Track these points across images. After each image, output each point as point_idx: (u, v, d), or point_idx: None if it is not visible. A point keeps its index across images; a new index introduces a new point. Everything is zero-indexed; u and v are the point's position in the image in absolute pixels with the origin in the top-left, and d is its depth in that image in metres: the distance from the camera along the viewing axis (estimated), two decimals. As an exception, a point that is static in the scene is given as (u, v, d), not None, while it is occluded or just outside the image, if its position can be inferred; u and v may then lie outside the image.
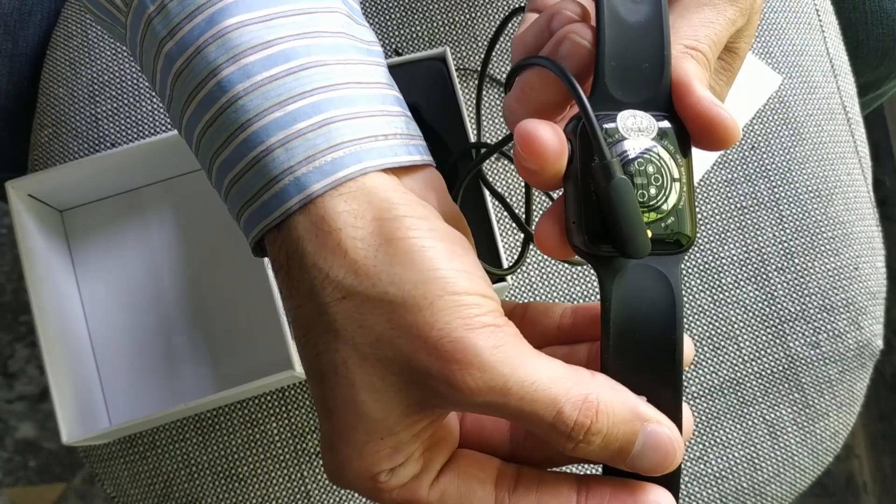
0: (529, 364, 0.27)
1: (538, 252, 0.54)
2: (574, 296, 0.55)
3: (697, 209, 0.56)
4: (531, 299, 0.54)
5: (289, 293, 0.29)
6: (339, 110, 0.29)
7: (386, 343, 0.27)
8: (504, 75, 0.56)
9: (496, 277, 0.48)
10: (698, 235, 0.55)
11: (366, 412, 0.27)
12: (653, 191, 0.29)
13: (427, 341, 0.26)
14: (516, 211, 0.53)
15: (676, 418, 0.29)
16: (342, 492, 0.52)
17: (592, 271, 0.54)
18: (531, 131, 0.28)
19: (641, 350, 0.29)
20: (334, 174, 0.28)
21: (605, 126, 0.29)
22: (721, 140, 0.29)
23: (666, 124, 0.29)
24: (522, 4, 0.55)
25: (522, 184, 0.55)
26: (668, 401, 0.29)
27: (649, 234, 0.28)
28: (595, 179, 0.28)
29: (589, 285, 0.55)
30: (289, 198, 0.28)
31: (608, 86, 0.29)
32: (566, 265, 0.55)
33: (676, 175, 0.29)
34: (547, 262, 0.55)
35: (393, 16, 0.57)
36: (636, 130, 0.29)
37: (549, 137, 0.28)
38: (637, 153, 0.29)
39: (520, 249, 0.54)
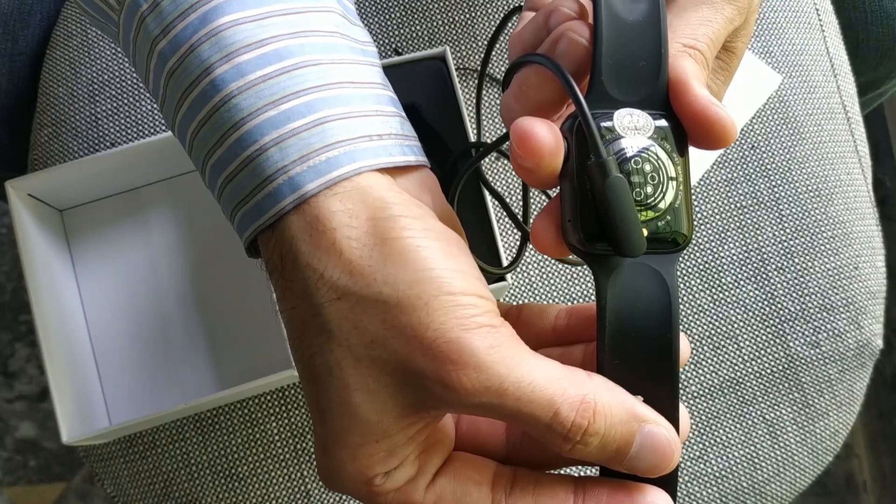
0: (526, 365, 0.27)
1: (538, 252, 0.54)
2: (574, 295, 0.55)
3: (697, 209, 0.56)
4: (531, 299, 0.54)
5: (283, 294, 0.28)
6: (333, 109, 0.28)
7: (380, 344, 0.27)
8: (503, 74, 0.56)
9: (494, 276, 0.48)
10: (698, 235, 0.55)
11: (360, 414, 0.27)
12: (649, 189, 0.29)
13: (422, 342, 0.26)
14: (514, 210, 0.53)
15: (673, 418, 0.29)
16: (342, 491, 0.52)
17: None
18: (527, 129, 0.28)
19: (638, 349, 0.29)
20: (329, 173, 0.27)
21: (602, 124, 0.29)
22: (718, 139, 0.29)
23: (663, 123, 0.29)
24: (521, 3, 0.55)
25: (520, 183, 0.55)
26: (664, 400, 0.29)
27: (645, 232, 0.28)
28: (591, 178, 0.28)
29: (589, 285, 0.55)
30: (282, 197, 0.28)
31: (605, 84, 0.29)
32: (566, 265, 0.55)
33: (673, 174, 0.29)
34: (547, 262, 0.55)
35: (393, 15, 0.57)
36: (633, 129, 0.29)
37: (545, 135, 0.28)
38: (634, 152, 0.29)
39: (517, 248, 0.54)
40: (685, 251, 0.55)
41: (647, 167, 0.29)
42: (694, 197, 0.56)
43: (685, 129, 0.30)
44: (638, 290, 0.29)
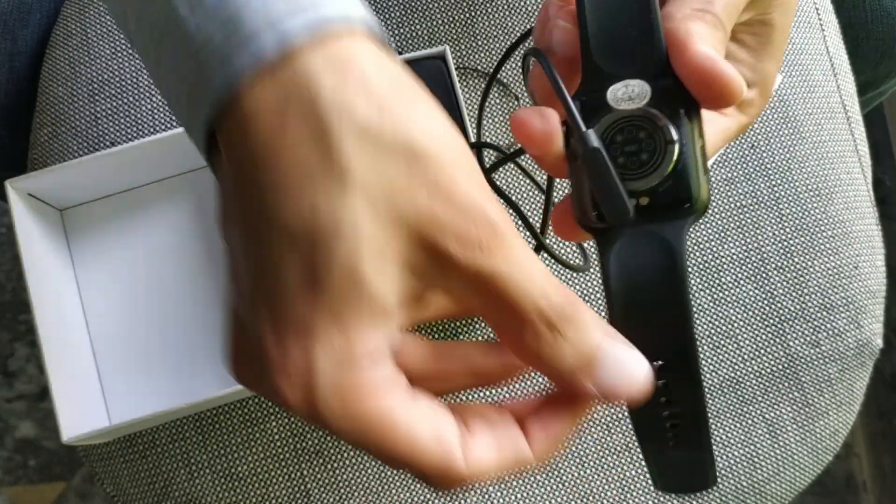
0: (532, 257, 0.27)
1: (546, 258, 0.54)
2: (574, 295, 0.55)
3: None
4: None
5: (281, 142, 0.25)
6: None
7: (402, 194, 0.25)
8: (507, 78, 0.56)
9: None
10: (698, 234, 0.55)
11: (365, 282, 0.25)
12: (644, 156, 0.29)
13: (450, 195, 0.25)
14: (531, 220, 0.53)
15: (695, 383, 0.29)
16: (342, 490, 0.52)
17: (592, 274, 0.54)
18: (521, 118, 0.29)
19: (648, 317, 0.29)
20: (331, 19, 0.26)
21: (595, 99, 0.29)
22: (721, 94, 0.29)
23: (664, 88, 0.29)
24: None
25: (531, 193, 0.55)
26: (683, 365, 0.28)
27: (645, 200, 0.28)
28: (576, 153, 0.29)
29: (586, 286, 0.55)
30: (294, 32, 0.25)
31: (597, 60, 0.30)
32: (563, 269, 0.55)
33: (674, 137, 0.29)
34: (547, 265, 0.55)
35: (392, 14, 0.57)
36: (627, 99, 0.29)
37: (536, 122, 0.29)
38: (627, 122, 0.29)
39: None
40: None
41: (642, 134, 0.29)
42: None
43: (689, 89, 0.29)
44: (641, 258, 0.29)
